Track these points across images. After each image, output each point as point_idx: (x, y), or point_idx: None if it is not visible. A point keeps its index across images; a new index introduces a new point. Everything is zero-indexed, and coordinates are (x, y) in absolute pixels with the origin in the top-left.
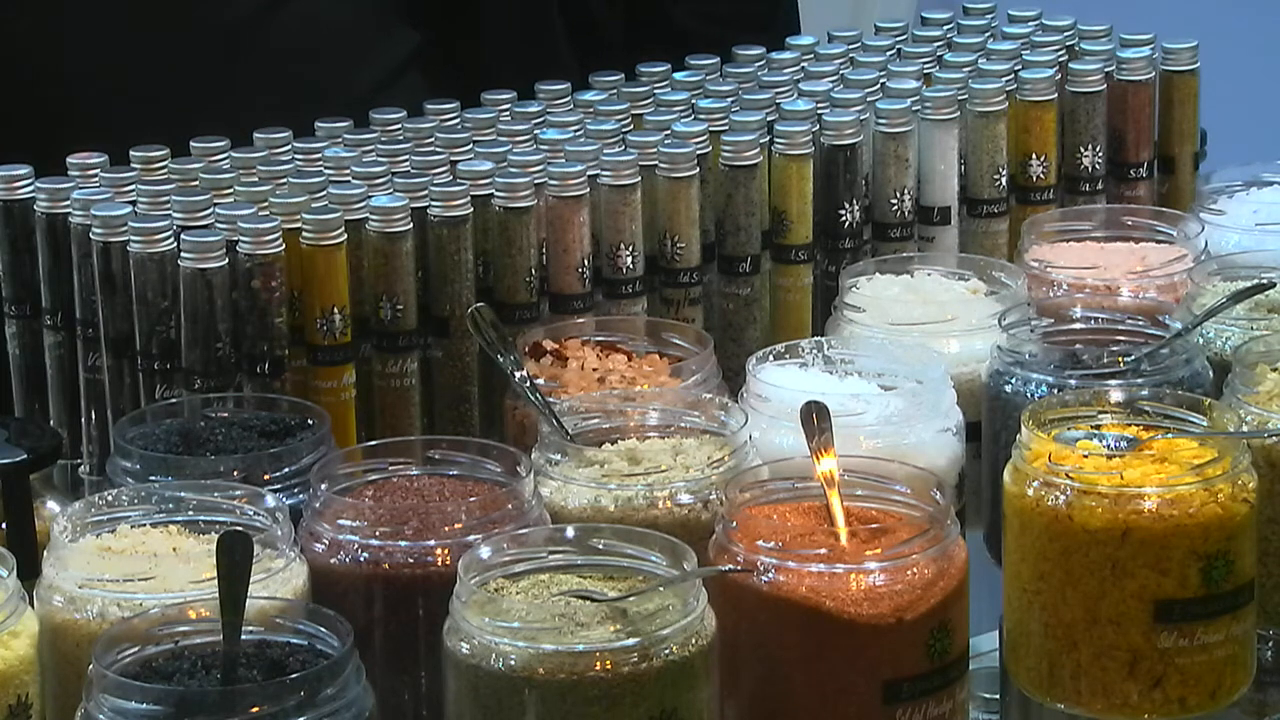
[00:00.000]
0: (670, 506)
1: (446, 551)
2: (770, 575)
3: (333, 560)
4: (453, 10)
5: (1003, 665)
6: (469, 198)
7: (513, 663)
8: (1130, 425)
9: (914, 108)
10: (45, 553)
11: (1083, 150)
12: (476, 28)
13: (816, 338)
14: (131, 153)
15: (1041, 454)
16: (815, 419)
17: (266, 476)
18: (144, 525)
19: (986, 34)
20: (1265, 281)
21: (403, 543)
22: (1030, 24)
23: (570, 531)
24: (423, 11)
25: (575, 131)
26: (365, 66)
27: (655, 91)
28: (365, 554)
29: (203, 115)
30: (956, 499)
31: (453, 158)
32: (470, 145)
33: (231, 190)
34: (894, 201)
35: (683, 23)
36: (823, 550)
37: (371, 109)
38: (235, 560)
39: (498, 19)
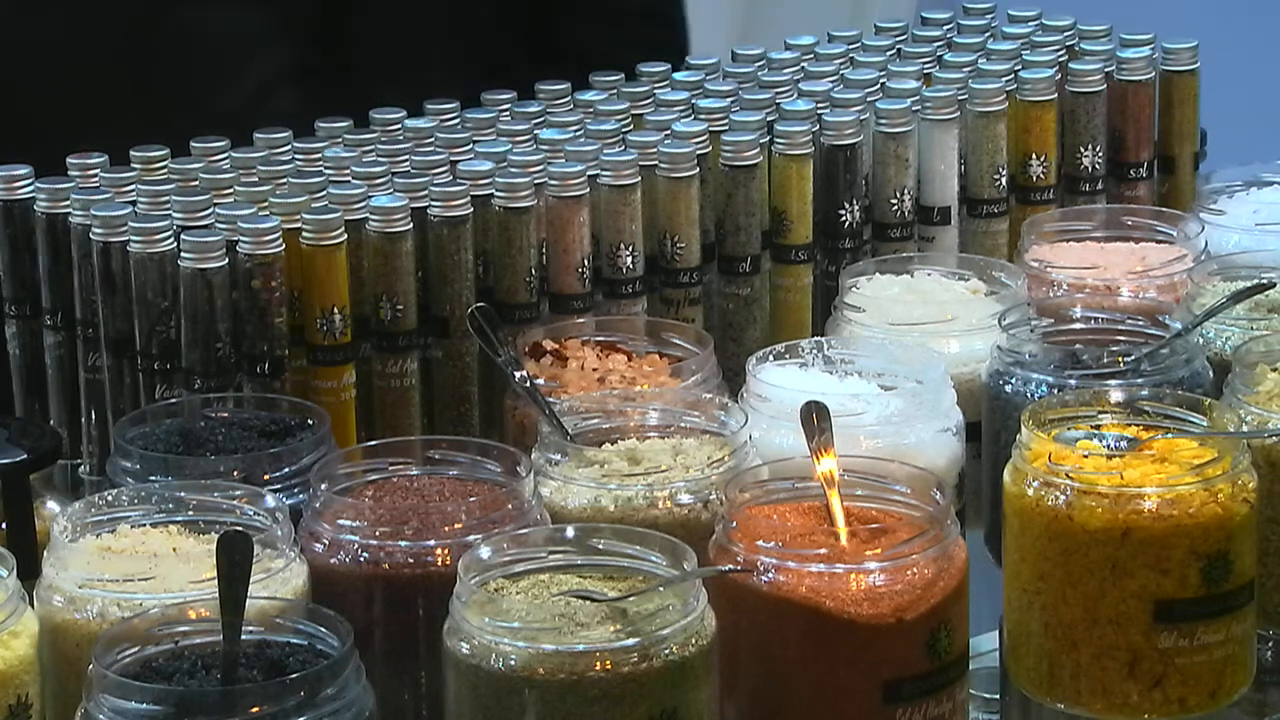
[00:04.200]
0: (670, 506)
1: (446, 551)
2: (770, 575)
3: (333, 560)
4: (330, 28)
5: (1003, 665)
6: (469, 198)
7: (513, 663)
8: (1130, 425)
9: (914, 108)
10: (45, 553)
11: (1083, 150)
12: (353, 47)
13: (816, 338)
14: (131, 153)
15: (1041, 454)
16: (815, 419)
17: (266, 476)
18: (144, 525)
19: (986, 34)
20: (1265, 281)
21: (403, 543)
22: (1030, 24)
23: (570, 531)
24: (302, 27)
25: (575, 131)
26: (239, 80)
27: (655, 91)
28: (365, 554)
29: (95, 119)
30: (956, 499)
31: (453, 158)
32: (470, 145)
33: (231, 190)
34: (894, 201)
35: (580, 42)
36: (823, 550)
37: (246, 122)
38: (235, 560)
39: (373, 40)
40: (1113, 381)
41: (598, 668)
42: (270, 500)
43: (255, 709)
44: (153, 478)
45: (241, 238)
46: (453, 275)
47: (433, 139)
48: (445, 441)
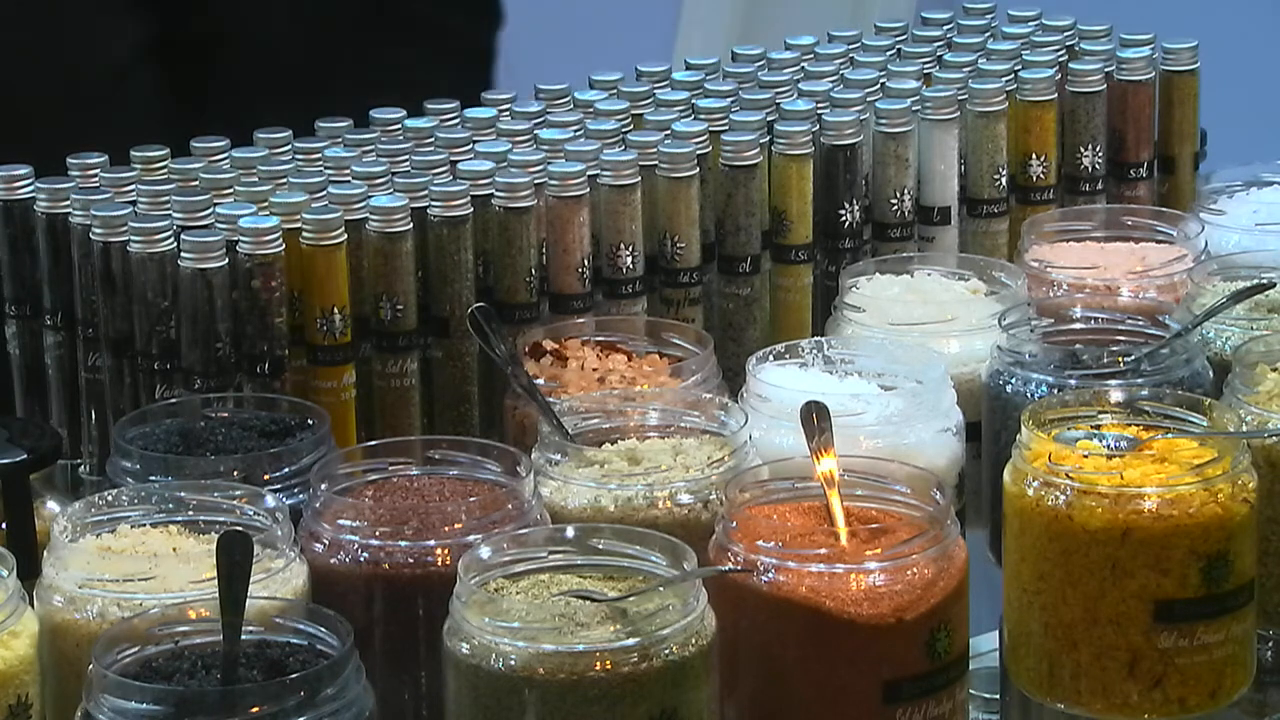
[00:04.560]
0: (670, 506)
1: (446, 551)
2: (770, 575)
3: (333, 560)
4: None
5: (1003, 665)
6: (469, 198)
7: (513, 663)
8: (1130, 425)
9: (914, 108)
10: (45, 553)
11: (1083, 150)
12: (206, 21)
13: (816, 338)
14: (132, 153)
15: (1041, 454)
16: (815, 419)
17: (266, 476)
18: (144, 525)
19: (986, 34)
20: (1265, 281)
21: (403, 543)
22: (1030, 24)
23: (570, 531)
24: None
25: (575, 131)
26: (96, 54)
27: (655, 91)
28: (365, 554)
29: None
30: (956, 499)
31: (453, 158)
32: (470, 145)
33: (231, 190)
34: (894, 201)
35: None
36: (823, 550)
37: (106, 98)
38: (235, 560)
39: (231, 17)
40: (1113, 381)
41: (598, 668)
42: (270, 500)
43: (255, 709)
44: (153, 478)
45: (241, 238)
46: (453, 275)
47: (433, 139)
48: (445, 441)
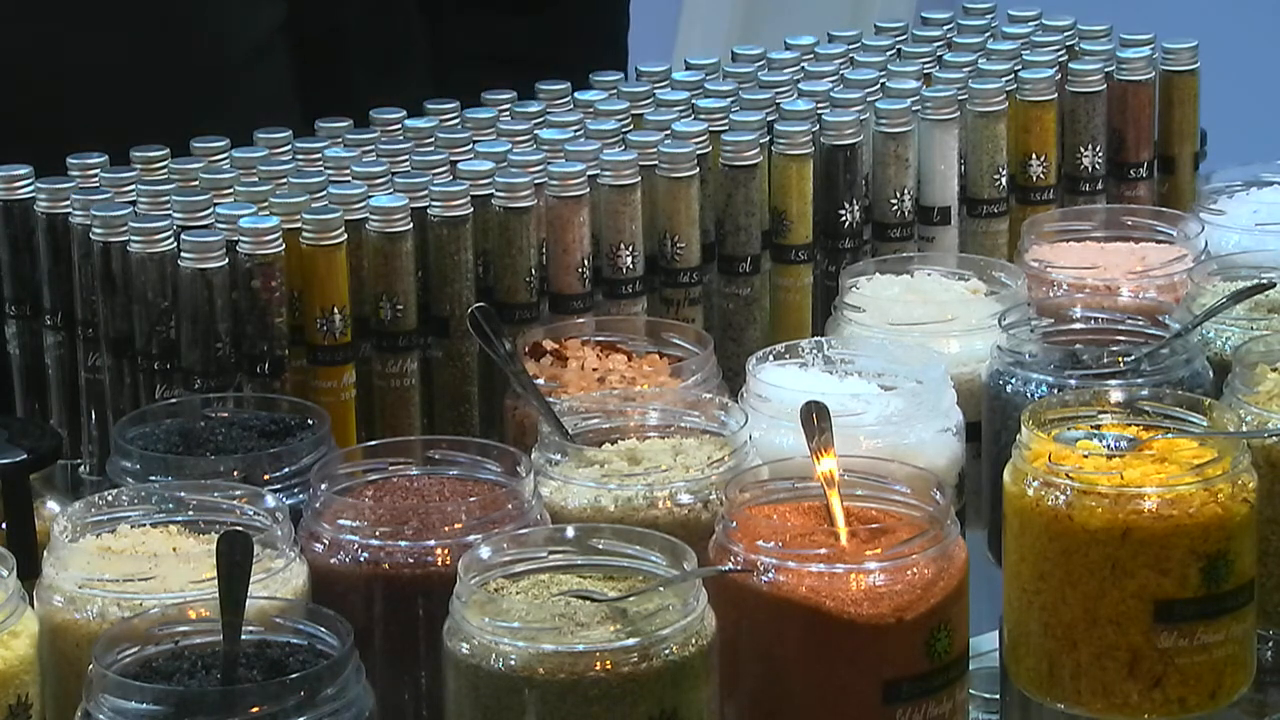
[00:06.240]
0: (670, 506)
1: (446, 551)
2: (770, 575)
3: (333, 560)
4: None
5: (1003, 665)
6: (469, 198)
7: (513, 663)
8: (1130, 425)
9: (914, 108)
10: (45, 553)
11: (1083, 150)
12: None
13: (816, 338)
14: (132, 153)
15: (1041, 454)
16: (815, 419)
17: (266, 476)
18: (144, 525)
19: (986, 34)
20: (1265, 281)
21: (403, 543)
22: (1030, 24)
23: (570, 531)
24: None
25: (575, 131)
26: (235, 36)
27: (655, 91)
28: (365, 554)
29: (107, 86)
30: (956, 499)
31: (453, 158)
32: (470, 145)
33: (231, 190)
34: (894, 201)
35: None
36: (823, 550)
37: (244, 81)
38: (235, 560)
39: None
40: (1113, 381)
41: (598, 668)
42: (270, 500)
43: (255, 709)
44: (153, 478)
45: (241, 238)
46: (453, 275)
47: (433, 139)
48: (445, 441)
